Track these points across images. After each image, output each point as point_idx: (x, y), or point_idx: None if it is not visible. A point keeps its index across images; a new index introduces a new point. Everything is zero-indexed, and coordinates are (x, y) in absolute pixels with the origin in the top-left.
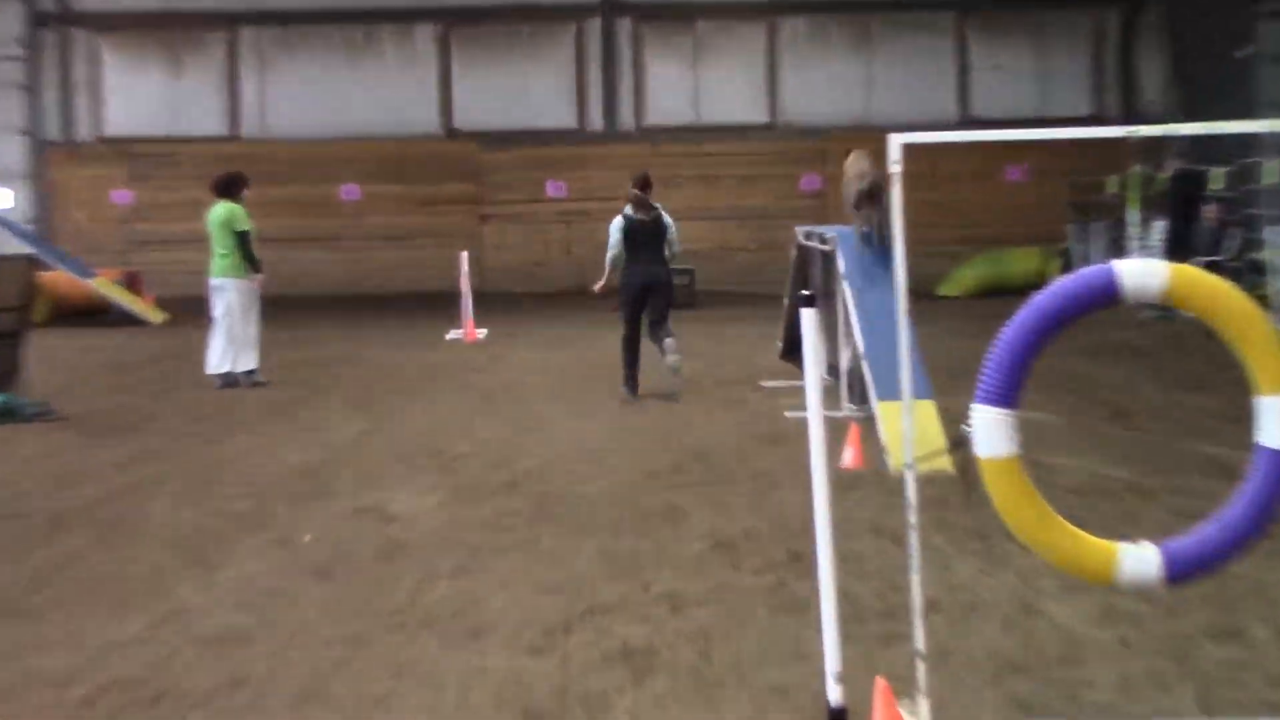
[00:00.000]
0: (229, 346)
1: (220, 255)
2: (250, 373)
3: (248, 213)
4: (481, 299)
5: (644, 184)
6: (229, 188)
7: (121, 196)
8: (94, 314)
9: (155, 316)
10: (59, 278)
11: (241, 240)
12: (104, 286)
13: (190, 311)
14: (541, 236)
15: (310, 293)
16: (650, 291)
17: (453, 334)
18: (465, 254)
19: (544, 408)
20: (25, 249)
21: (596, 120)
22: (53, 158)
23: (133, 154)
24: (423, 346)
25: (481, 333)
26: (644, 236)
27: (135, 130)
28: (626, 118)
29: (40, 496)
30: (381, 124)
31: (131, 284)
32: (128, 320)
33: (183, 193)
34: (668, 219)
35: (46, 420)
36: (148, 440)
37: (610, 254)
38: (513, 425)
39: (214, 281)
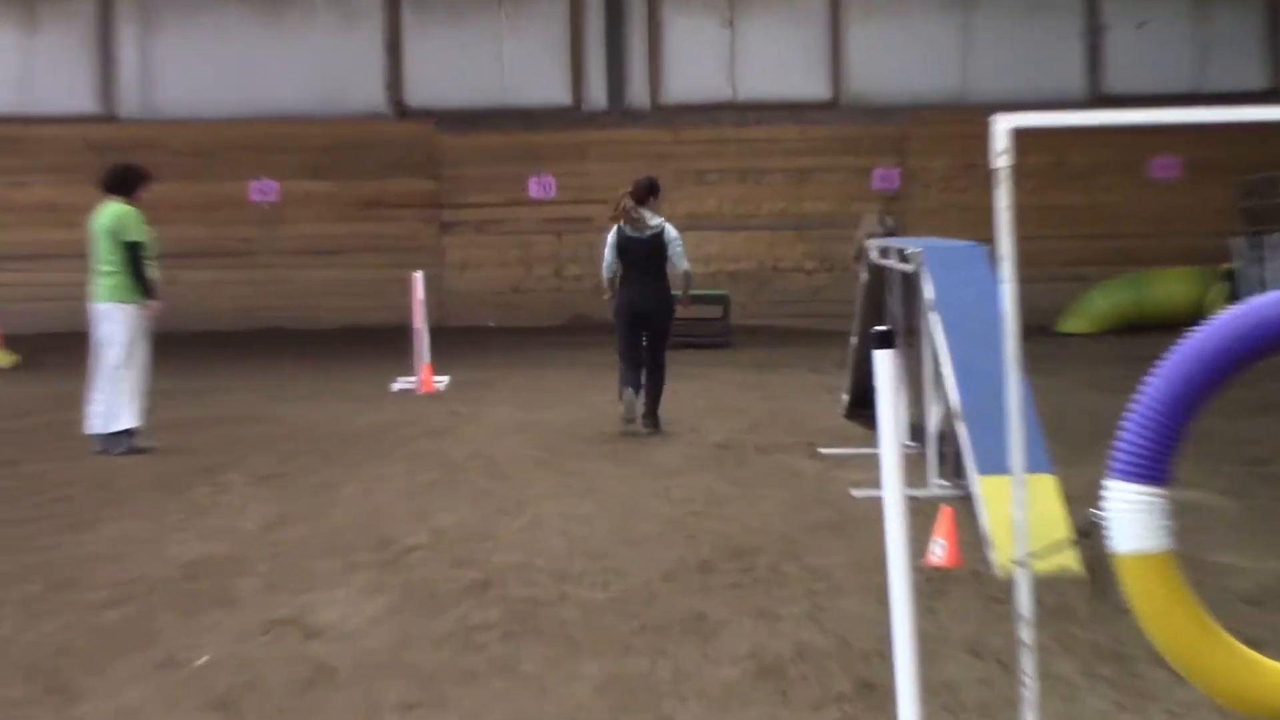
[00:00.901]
0: (116, 396)
1: (105, 273)
2: (128, 434)
3: (143, 218)
4: (442, 336)
5: (644, 192)
6: (124, 183)
7: None
8: None
9: (3, 359)
10: None
11: (133, 254)
12: None
13: (49, 351)
14: (522, 252)
15: (209, 326)
16: (642, 321)
17: (402, 383)
18: (419, 275)
19: (525, 483)
20: None
21: (598, 96)
22: None
23: None
24: (361, 400)
25: (441, 381)
26: (638, 255)
27: None
28: (638, 93)
29: None
30: (307, 101)
31: None
32: None
33: (37, 190)
34: (672, 232)
35: None
36: None
37: (605, 275)
38: (483, 507)
39: (98, 308)
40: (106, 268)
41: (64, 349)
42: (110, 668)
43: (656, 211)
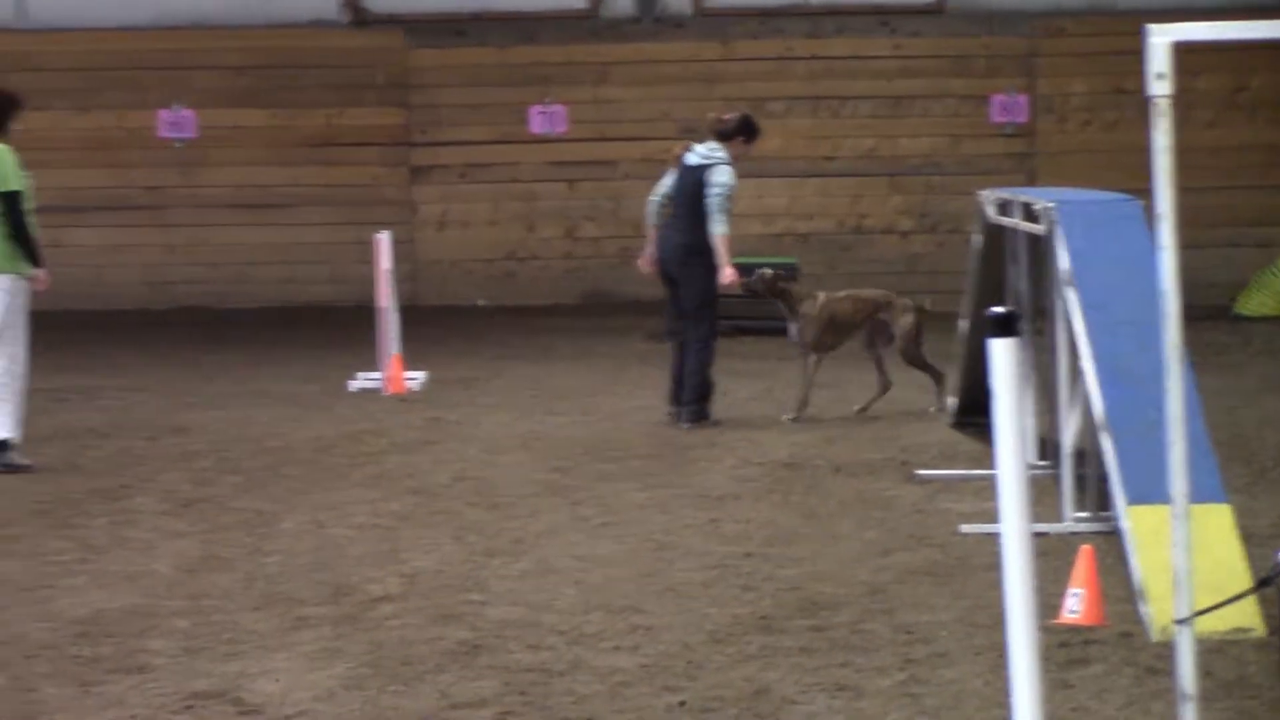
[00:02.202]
0: None
1: None
2: (2, 446)
3: (18, 161)
4: (415, 318)
5: (732, 132)
6: None
7: None
8: None
9: None
10: None
11: (10, 208)
12: None
13: None
14: (522, 206)
15: (104, 304)
16: (668, 281)
17: (363, 380)
18: (385, 236)
19: (527, 515)
20: None
21: None
22: None
23: None
24: (308, 404)
25: (415, 379)
26: (675, 194)
27: None
28: None
29: None
30: (234, 4)
31: None
32: None
33: None
34: (715, 173)
35: None
36: None
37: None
38: (471, 546)
39: None
40: None
41: None
42: None
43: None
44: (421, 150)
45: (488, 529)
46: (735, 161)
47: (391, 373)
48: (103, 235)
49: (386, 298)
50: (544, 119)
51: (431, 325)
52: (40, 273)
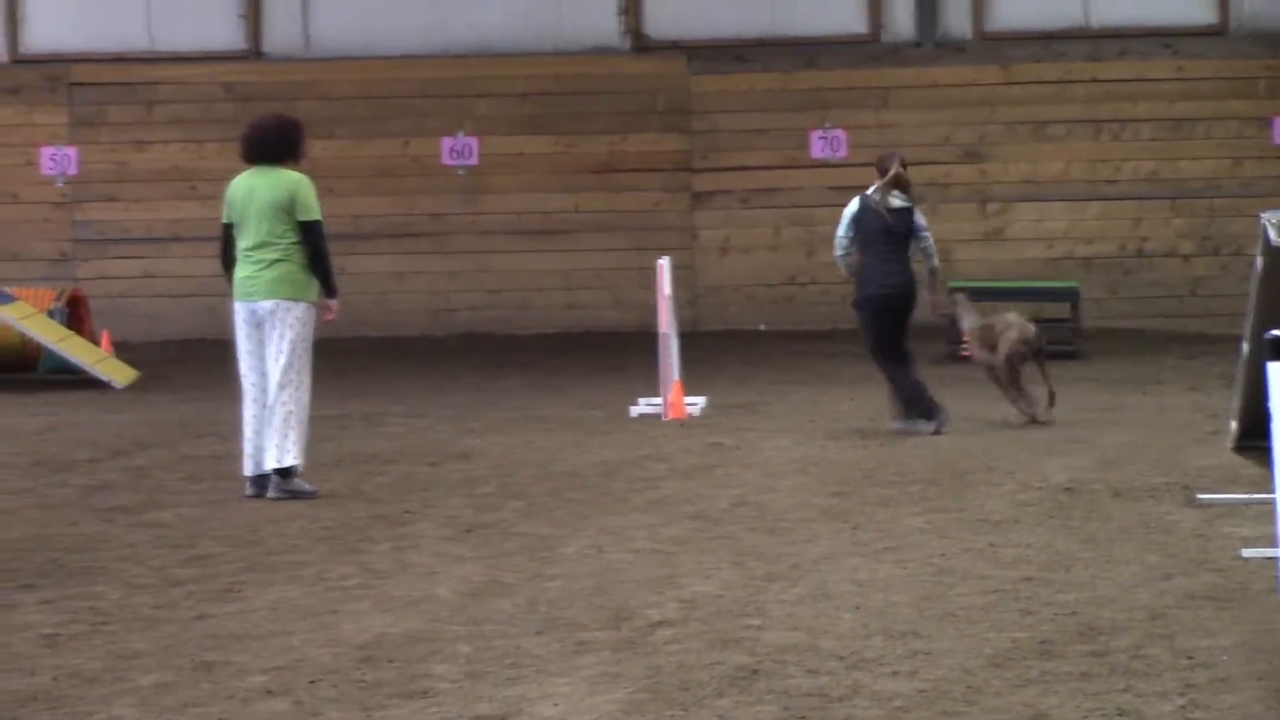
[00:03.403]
0: (277, 424)
1: (271, 262)
2: (287, 473)
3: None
4: (696, 343)
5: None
6: (287, 143)
7: (57, 159)
8: (9, 369)
9: (116, 374)
10: None
11: (312, 236)
12: (25, 320)
13: (175, 363)
14: (802, 231)
15: (388, 331)
16: (887, 302)
17: (643, 406)
18: (666, 262)
19: (806, 539)
20: None
21: (903, 22)
22: None
23: (76, 84)
24: (589, 429)
25: (695, 404)
26: (879, 231)
27: (82, 45)
28: (956, 18)
29: None
30: (516, 32)
31: (75, 315)
32: (69, 381)
33: (160, 152)
34: (920, 218)
35: None
36: (97, 594)
37: (838, 254)
38: (751, 570)
39: (259, 306)
40: (273, 255)
41: (194, 361)
42: None
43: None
44: (703, 176)
45: (767, 554)
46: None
47: (672, 398)
48: (387, 262)
49: (667, 323)
50: (824, 144)
51: (712, 350)
52: (334, 302)
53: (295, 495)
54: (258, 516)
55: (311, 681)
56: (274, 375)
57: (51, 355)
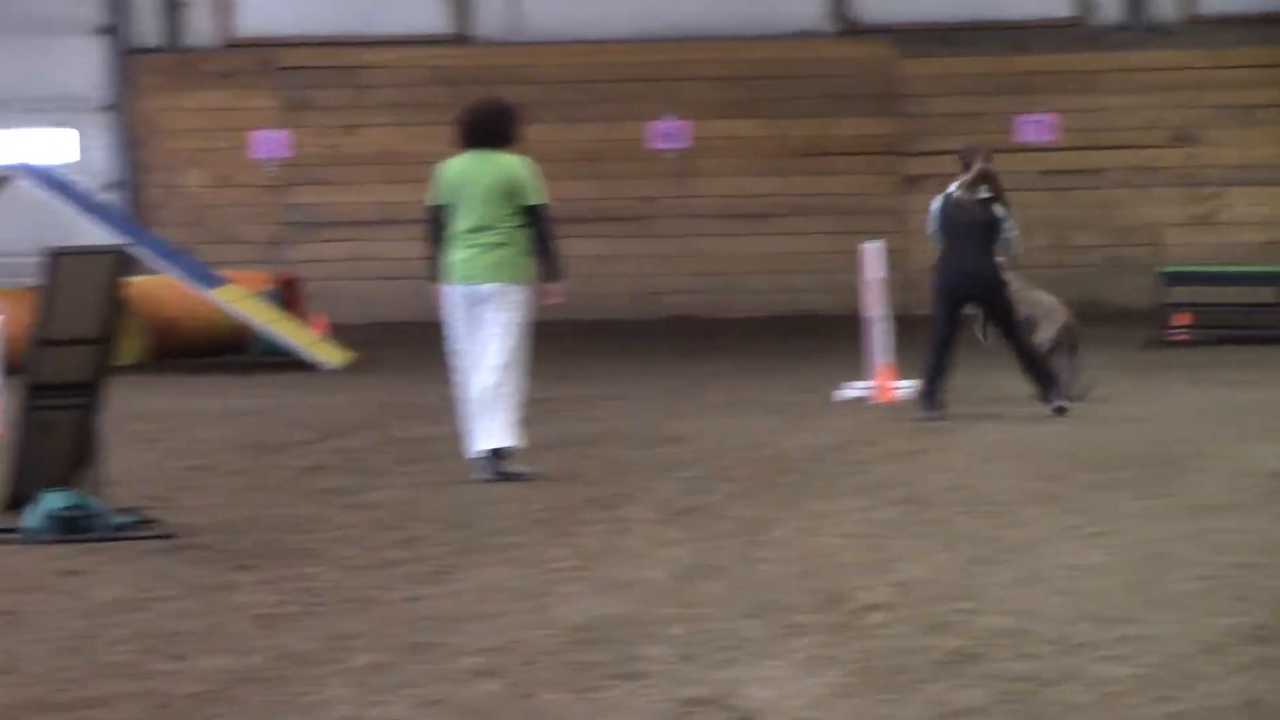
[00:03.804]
0: (495, 406)
1: (493, 245)
2: (504, 453)
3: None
4: (906, 327)
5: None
6: (504, 127)
7: (269, 142)
8: (222, 351)
9: (330, 356)
10: (162, 288)
11: (540, 219)
12: (238, 303)
13: (387, 345)
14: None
15: (597, 314)
16: (970, 293)
17: (852, 389)
18: (875, 245)
19: (1017, 523)
20: (105, 239)
21: (1111, 6)
22: (149, 76)
23: (287, 69)
24: (797, 412)
25: (905, 388)
26: (966, 223)
27: (292, 28)
28: (1163, 1)
29: (123, 676)
30: (723, 16)
31: (288, 298)
32: (281, 363)
33: (372, 135)
34: (1001, 210)
35: (136, 539)
36: (312, 575)
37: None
38: (962, 554)
39: (480, 289)
40: (494, 238)
41: (404, 343)
42: None
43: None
44: (911, 159)
45: (978, 537)
46: None
47: (881, 382)
48: (596, 246)
49: (877, 307)
50: (1033, 127)
51: (921, 335)
52: (560, 285)
53: (509, 477)
54: (470, 498)
55: (525, 663)
56: (494, 357)
57: (264, 337)
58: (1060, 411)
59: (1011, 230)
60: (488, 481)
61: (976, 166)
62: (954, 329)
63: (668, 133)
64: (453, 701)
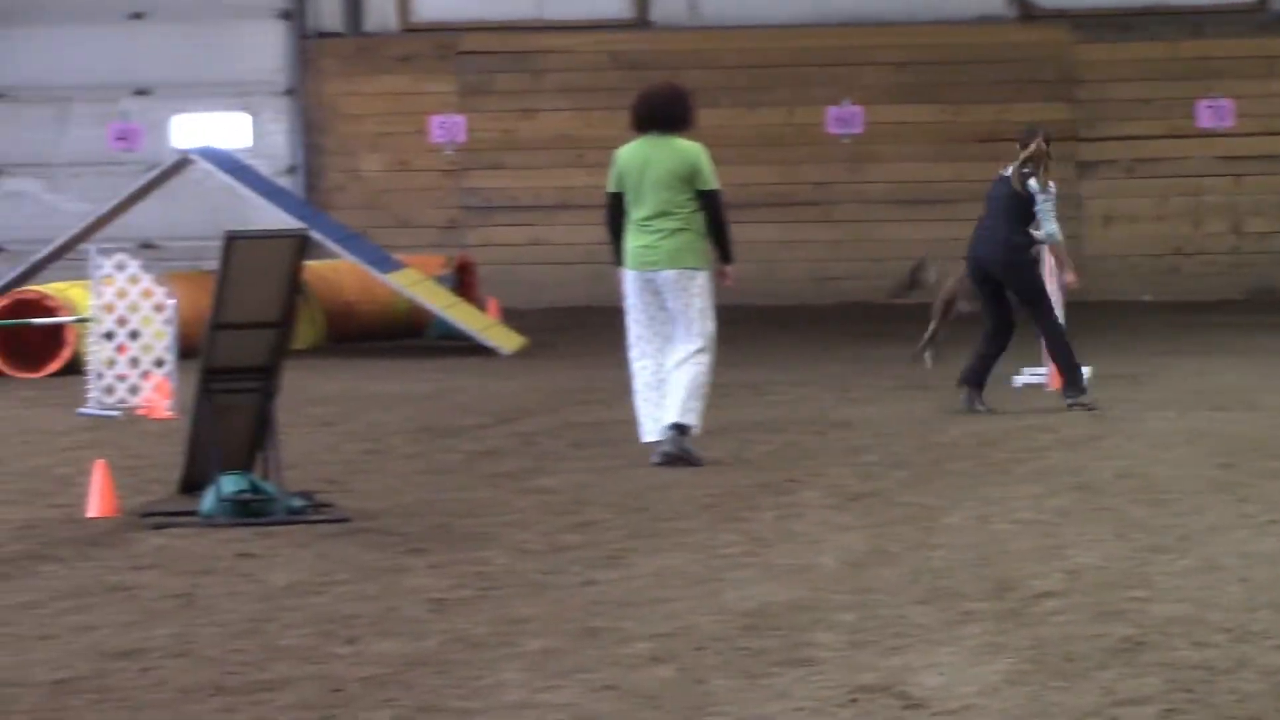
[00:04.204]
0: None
1: (671, 231)
2: (684, 430)
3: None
4: (1081, 314)
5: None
6: (680, 112)
7: (447, 126)
8: (398, 335)
9: (504, 341)
10: (339, 272)
11: (713, 205)
12: (414, 287)
13: (561, 330)
14: (1189, 201)
15: (771, 300)
16: (987, 272)
17: (1027, 376)
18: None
19: (1191, 511)
20: (283, 223)
21: None
22: (328, 60)
23: (466, 54)
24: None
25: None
26: (994, 200)
27: (471, 13)
28: None
29: (297, 659)
30: (900, 0)
31: (464, 282)
32: (456, 348)
33: (551, 120)
34: (1034, 185)
35: (311, 522)
36: (485, 559)
37: None
38: (1135, 542)
39: (660, 275)
40: (673, 224)
41: (579, 328)
42: None
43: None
44: (1087, 145)
45: (1151, 525)
46: None
47: (1050, 368)
48: (772, 231)
49: (1051, 294)
50: (1211, 113)
51: (1096, 321)
52: (731, 269)
53: (685, 457)
54: (643, 483)
55: (696, 649)
56: (683, 341)
57: (440, 321)
58: (1079, 408)
59: (1047, 210)
60: (662, 465)
61: (1033, 146)
62: (997, 311)
63: (844, 118)
64: (624, 687)
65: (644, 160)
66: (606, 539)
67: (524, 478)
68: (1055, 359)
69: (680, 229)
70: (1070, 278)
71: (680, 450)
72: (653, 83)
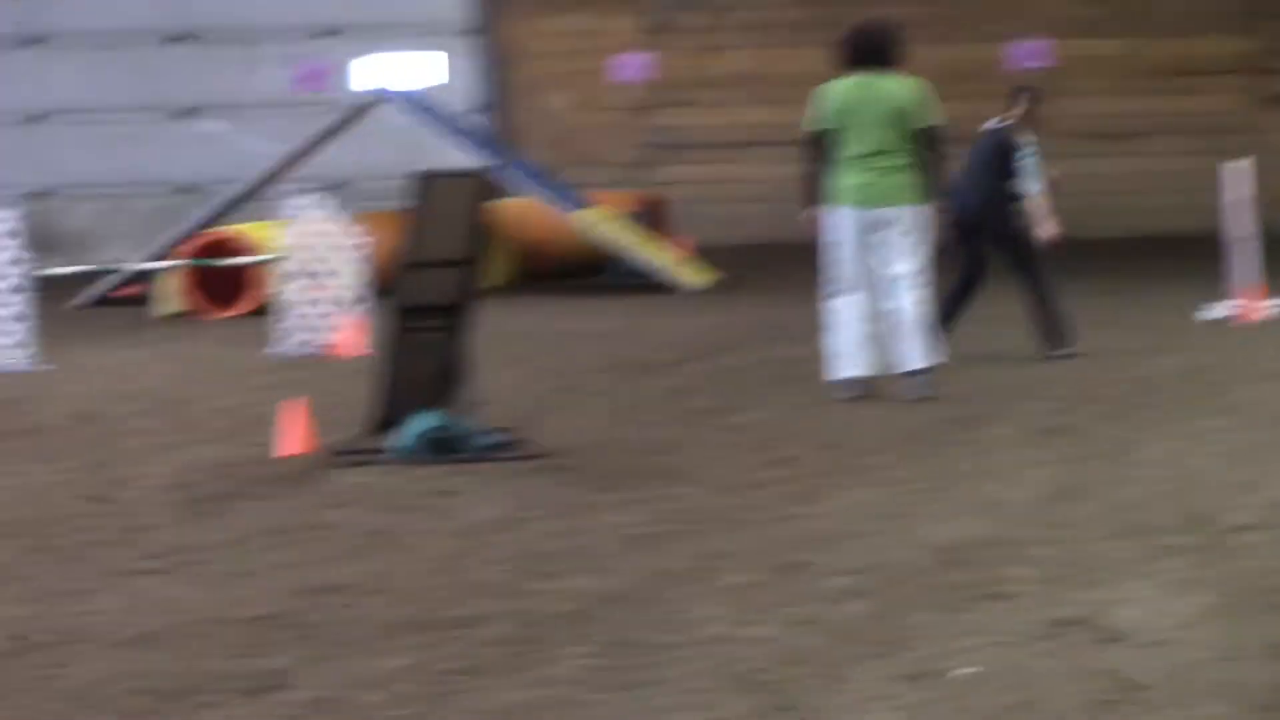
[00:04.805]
0: (912, 325)
1: (895, 168)
2: (924, 372)
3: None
4: (1270, 246)
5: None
6: (893, 48)
7: (631, 66)
8: (586, 273)
9: (693, 278)
10: (527, 211)
11: (935, 141)
12: (602, 225)
13: (750, 266)
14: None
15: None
16: (970, 225)
17: (1214, 310)
18: (1241, 164)
19: None
20: (471, 162)
21: None
22: (514, 3)
23: None
24: (1161, 332)
25: (1271, 307)
26: (976, 151)
27: None
28: None
29: (494, 595)
30: None
31: (652, 220)
32: (644, 285)
33: (736, 57)
34: (1022, 149)
35: (504, 459)
36: (680, 495)
37: None
38: None
39: (882, 212)
40: (895, 161)
41: (768, 264)
42: (850, 678)
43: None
44: (1275, 78)
45: None
46: None
47: (1245, 302)
48: (957, 165)
49: (1242, 227)
50: None
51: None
52: (943, 206)
53: (926, 397)
54: (838, 419)
55: (893, 583)
56: (906, 279)
57: (628, 259)
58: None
59: (1030, 165)
60: (911, 400)
61: (1020, 108)
62: (971, 266)
63: (1030, 52)
64: (822, 621)
65: (860, 97)
66: (802, 474)
67: (717, 414)
68: (1037, 316)
69: (900, 166)
70: (1049, 231)
71: (925, 392)
72: (862, 19)
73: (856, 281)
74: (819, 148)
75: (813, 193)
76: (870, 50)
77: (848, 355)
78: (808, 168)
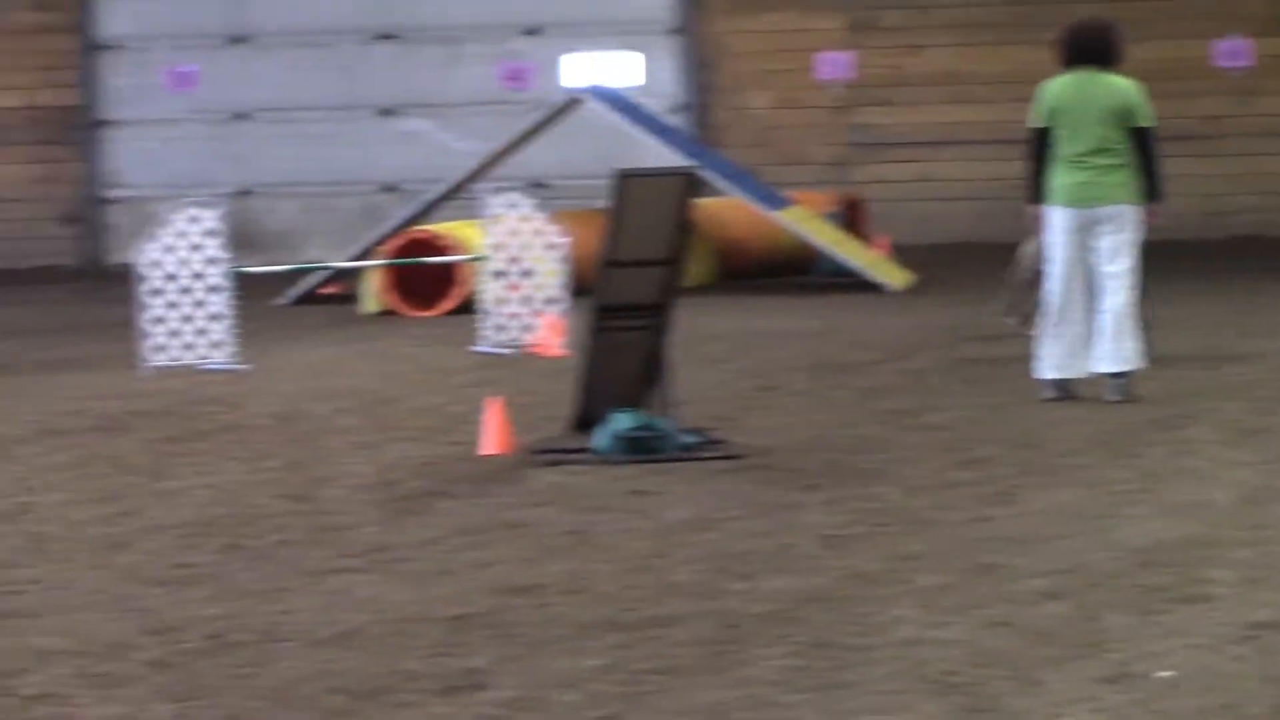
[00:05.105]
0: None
1: (1111, 166)
2: (1127, 375)
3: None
4: None
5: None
6: (1113, 47)
7: (833, 64)
8: (786, 272)
9: (893, 277)
10: (730, 210)
11: (1148, 142)
12: (803, 224)
13: (947, 266)
14: None
15: (1163, 234)
16: None
17: None
18: None
19: None
20: (672, 161)
21: None
22: (715, 2)
23: None
24: None
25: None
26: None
27: None
28: None
29: (692, 595)
30: None
31: (852, 219)
32: (844, 284)
33: (938, 56)
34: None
35: (702, 459)
36: (876, 495)
37: None
38: None
39: (1101, 211)
40: (1113, 160)
41: (967, 264)
42: (1046, 681)
43: None
44: None
45: None
46: None
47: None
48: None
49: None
50: None
51: None
52: (1161, 207)
53: (1128, 399)
54: (1035, 420)
55: (1090, 585)
56: (1116, 279)
57: (828, 258)
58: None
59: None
60: (1114, 400)
61: None
62: None
63: (1232, 51)
64: (1018, 623)
65: (1077, 96)
66: (998, 475)
67: (914, 414)
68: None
69: (1118, 165)
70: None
71: (1127, 394)
72: (1082, 18)
73: (1073, 282)
74: (1042, 146)
75: (1035, 191)
76: (1090, 48)
77: (1057, 355)
78: (1031, 165)
